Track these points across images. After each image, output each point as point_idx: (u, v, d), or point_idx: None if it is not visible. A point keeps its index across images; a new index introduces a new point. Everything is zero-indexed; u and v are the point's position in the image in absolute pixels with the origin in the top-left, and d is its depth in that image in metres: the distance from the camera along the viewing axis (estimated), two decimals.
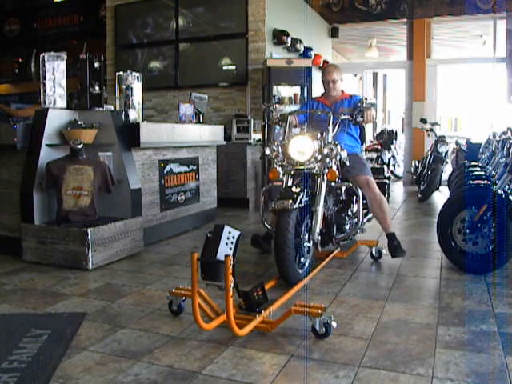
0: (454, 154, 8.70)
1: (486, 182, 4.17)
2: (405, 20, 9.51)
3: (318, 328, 2.37)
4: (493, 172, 4.93)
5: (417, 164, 8.44)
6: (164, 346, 2.34)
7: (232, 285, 2.19)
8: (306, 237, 3.27)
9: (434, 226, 3.81)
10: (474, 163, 5.85)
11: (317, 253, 3.47)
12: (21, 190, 3.91)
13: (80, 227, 3.66)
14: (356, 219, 3.80)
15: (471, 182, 4.33)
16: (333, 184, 3.53)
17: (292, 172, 3.41)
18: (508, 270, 3.53)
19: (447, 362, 2.14)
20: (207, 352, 2.26)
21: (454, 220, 3.56)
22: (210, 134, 5.46)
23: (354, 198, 3.83)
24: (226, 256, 2.16)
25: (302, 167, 3.35)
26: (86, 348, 2.31)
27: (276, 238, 3.04)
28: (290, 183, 3.40)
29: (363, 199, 3.69)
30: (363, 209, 3.80)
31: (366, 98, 3.68)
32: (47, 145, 3.94)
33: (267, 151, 3.48)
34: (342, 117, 3.58)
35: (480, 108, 14.59)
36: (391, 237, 3.82)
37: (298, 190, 3.15)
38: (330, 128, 3.46)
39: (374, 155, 11.06)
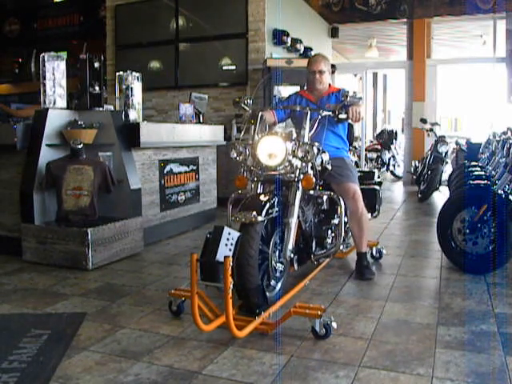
0: (454, 154, 8.70)
1: (486, 182, 4.17)
2: (405, 20, 9.51)
3: (317, 329, 2.36)
4: (493, 172, 4.93)
5: (417, 164, 8.44)
6: (164, 346, 2.34)
7: (231, 286, 2.17)
8: (277, 254, 2.77)
9: (434, 225, 3.81)
10: (474, 163, 5.85)
11: (308, 260, 3.20)
12: (21, 189, 3.91)
13: (80, 227, 3.66)
14: (339, 232, 3.22)
15: (471, 181, 4.32)
16: (312, 192, 3.09)
17: (261, 178, 2.89)
18: (508, 270, 3.53)
19: (447, 362, 2.14)
20: (207, 352, 2.26)
21: (454, 220, 3.56)
22: (210, 134, 5.46)
23: (338, 208, 3.27)
24: (226, 257, 2.15)
25: (273, 173, 2.82)
26: (86, 348, 2.31)
27: (237, 257, 2.45)
28: (259, 191, 2.90)
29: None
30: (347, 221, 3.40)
31: (354, 92, 3.15)
32: (47, 145, 3.94)
33: (233, 154, 2.93)
34: (323, 113, 3.09)
35: (480, 108, 14.59)
36: (361, 256, 3.48)
37: (266, 198, 2.64)
38: (307, 126, 2.95)
39: (374, 155, 11.08)
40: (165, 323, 2.61)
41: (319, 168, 2.94)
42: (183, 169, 5.01)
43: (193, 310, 2.24)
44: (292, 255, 2.79)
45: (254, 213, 2.50)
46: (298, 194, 2.85)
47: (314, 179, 2.82)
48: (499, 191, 3.48)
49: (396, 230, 5.28)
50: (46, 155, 3.92)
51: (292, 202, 2.82)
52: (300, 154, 2.79)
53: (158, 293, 3.11)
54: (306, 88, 3.70)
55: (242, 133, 3.20)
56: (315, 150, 2.81)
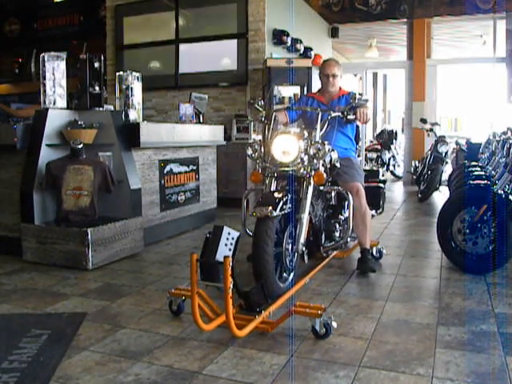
0: (454, 154, 8.70)
1: (486, 182, 4.17)
2: (405, 20, 9.51)
3: (318, 328, 2.37)
4: (493, 172, 4.93)
5: (417, 164, 8.44)
6: (164, 346, 2.34)
7: (231, 286, 2.18)
8: (290, 247, 2.97)
9: (434, 225, 3.81)
10: (474, 163, 5.85)
11: (317, 252, 3.40)
12: (21, 190, 3.91)
13: (80, 227, 3.66)
14: (347, 225, 3.43)
15: (471, 181, 4.33)
16: (322, 188, 3.30)
17: (275, 174, 3.12)
18: (508, 270, 3.53)
19: (447, 362, 2.14)
20: (207, 352, 2.26)
21: (454, 220, 3.56)
22: (210, 134, 5.46)
23: (346, 203, 3.54)
24: (225, 257, 2.16)
25: (286, 169, 3.04)
26: (86, 348, 2.31)
27: (253, 249, 2.75)
28: (273, 187, 3.12)
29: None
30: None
31: (360, 94, 3.34)
32: (47, 145, 3.94)
33: (248, 151, 3.19)
34: (332, 114, 3.30)
35: (480, 108, 14.59)
36: (365, 253, 3.57)
37: (280, 195, 2.86)
38: (318, 126, 3.16)
39: (374, 155, 11.07)
40: (165, 323, 2.61)
41: (329, 165, 3.19)
42: (183, 169, 5.01)
43: (193, 310, 2.25)
44: (304, 248, 3.00)
45: (270, 208, 2.72)
46: (310, 189, 3.06)
47: (324, 175, 3.05)
48: (499, 191, 3.48)
49: (396, 230, 5.28)
50: (45, 155, 3.91)
51: (304, 196, 3.04)
52: (312, 152, 3.01)
53: (158, 293, 3.11)
54: (317, 90, 3.85)
55: (257, 132, 3.50)
56: (326, 149, 3.03)
